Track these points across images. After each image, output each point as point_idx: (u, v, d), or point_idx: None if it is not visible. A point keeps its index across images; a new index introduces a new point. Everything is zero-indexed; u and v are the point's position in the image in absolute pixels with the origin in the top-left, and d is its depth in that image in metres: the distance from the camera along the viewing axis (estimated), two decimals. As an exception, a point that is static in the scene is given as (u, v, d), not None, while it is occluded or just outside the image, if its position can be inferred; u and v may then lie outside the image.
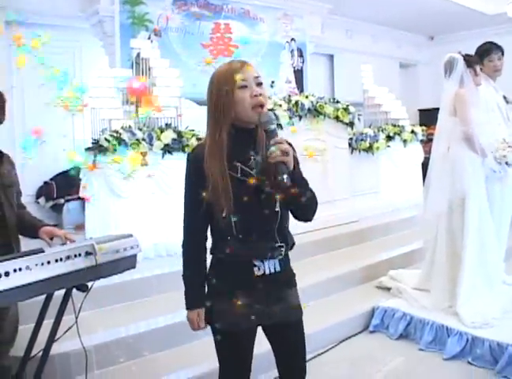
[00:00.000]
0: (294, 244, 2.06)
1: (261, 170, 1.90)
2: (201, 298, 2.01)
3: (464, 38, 7.30)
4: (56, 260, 2.06)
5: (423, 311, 4.07)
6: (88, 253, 2.18)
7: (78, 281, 2.19)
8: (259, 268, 1.94)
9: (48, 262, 2.03)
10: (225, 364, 2.05)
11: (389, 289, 4.65)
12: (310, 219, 2.03)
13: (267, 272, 1.94)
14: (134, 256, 2.44)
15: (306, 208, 1.98)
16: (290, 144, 1.87)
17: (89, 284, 2.24)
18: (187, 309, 2.03)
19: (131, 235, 2.45)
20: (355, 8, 9.28)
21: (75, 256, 2.13)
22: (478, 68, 4.25)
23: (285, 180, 1.78)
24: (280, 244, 1.96)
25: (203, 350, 2.12)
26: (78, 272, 2.13)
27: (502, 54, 4.60)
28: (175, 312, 3.58)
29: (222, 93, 1.89)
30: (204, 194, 1.88)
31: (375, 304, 4.33)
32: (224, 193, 1.85)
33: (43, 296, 2.29)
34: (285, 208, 1.96)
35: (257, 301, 1.94)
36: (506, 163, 4.31)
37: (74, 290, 2.26)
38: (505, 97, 4.66)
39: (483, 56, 4.53)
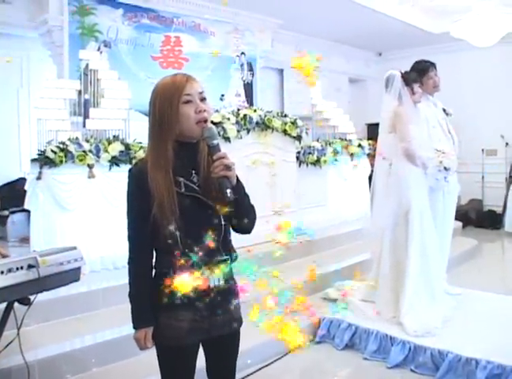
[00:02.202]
0: (237, 257, 2.06)
1: (203, 185, 1.92)
2: (149, 317, 1.94)
3: (411, 55, 7.49)
4: (-3, 274, 2.03)
5: (368, 321, 4.16)
6: (30, 266, 2.15)
7: (20, 294, 2.16)
8: (205, 280, 1.92)
9: (-12, 275, 2.00)
10: None
11: (335, 300, 4.71)
12: (248, 232, 2.06)
13: (211, 284, 1.94)
14: (78, 268, 2.42)
15: (246, 220, 2.00)
16: None
17: (32, 297, 2.21)
18: (134, 328, 1.96)
19: (75, 248, 2.43)
20: (305, 23, 9.41)
21: (17, 269, 2.11)
22: (416, 86, 4.39)
23: (229, 194, 1.81)
24: (224, 257, 1.97)
25: (151, 363, 2.11)
26: (20, 285, 2.11)
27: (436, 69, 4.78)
28: (121, 325, 3.56)
29: (166, 107, 1.88)
30: (149, 209, 1.85)
31: (322, 315, 4.38)
32: (170, 207, 1.84)
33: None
34: (227, 221, 1.98)
35: (201, 314, 1.94)
36: (445, 169, 4.45)
37: (16, 303, 2.23)
38: (444, 110, 4.82)
39: (422, 74, 4.68)
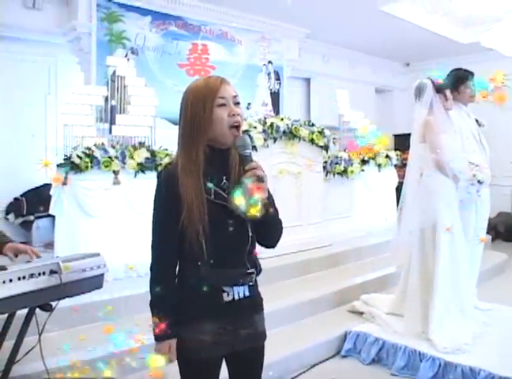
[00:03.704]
0: (261, 270, 1.99)
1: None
2: (173, 328, 1.83)
3: (438, 65, 7.38)
4: (19, 278, 2.00)
5: (396, 336, 4.04)
6: (52, 272, 2.11)
7: (42, 300, 2.13)
8: (228, 294, 1.86)
9: (10, 280, 1.97)
10: None
11: (361, 313, 4.62)
12: (273, 246, 2.00)
13: (236, 297, 1.87)
14: (101, 275, 2.38)
15: (272, 235, 1.96)
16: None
17: (53, 304, 2.16)
18: (156, 340, 1.86)
19: (98, 254, 2.39)
20: (332, 33, 9.37)
21: (39, 274, 2.07)
22: (448, 92, 4.28)
23: (259, 207, 1.74)
24: (250, 270, 1.90)
25: (172, 375, 2.03)
26: (42, 290, 2.07)
27: None
28: (144, 335, 3.49)
29: (199, 110, 1.82)
30: (177, 215, 1.79)
31: (348, 328, 4.29)
32: (199, 215, 1.77)
33: (5, 315, 2.21)
34: (254, 233, 1.92)
35: (225, 327, 1.87)
36: (479, 182, 4.34)
37: (38, 309, 2.18)
38: (477, 120, 4.70)
39: (459, 83, 4.56)
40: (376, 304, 4.61)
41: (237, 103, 1.87)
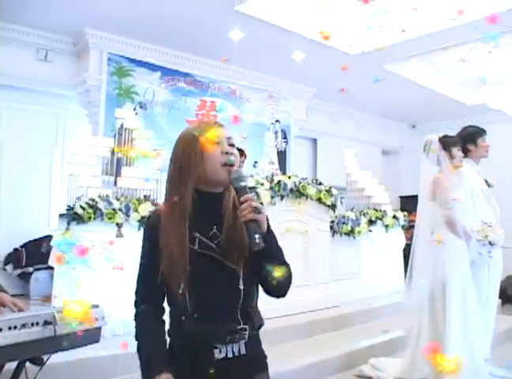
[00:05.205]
0: (261, 325, 1.81)
1: (224, 243, 1.71)
2: (165, 362, 1.69)
3: (444, 127, 7.38)
4: (9, 328, 1.86)
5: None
6: (46, 323, 1.97)
7: (33, 353, 1.98)
8: (220, 351, 1.69)
9: (0, 330, 1.82)
10: None
11: (370, 378, 4.42)
12: (283, 295, 1.78)
13: (230, 355, 1.70)
14: (99, 329, 2.23)
15: (277, 280, 1.69)
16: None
17: (45, 357, 2.01)
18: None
19: (97, 306, 2.26)
20: (339, 94, 9.43)
21: (32, 324, 1.93)
22: (455, 150, 4.22)
23: (257, 240, 1.59)
24: (242, 326, 1.72)
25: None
26: (34, 342, 1.92)
27: None
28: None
29: (190, 149, 1.72)
30: (159, 264, 1.68)
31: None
32: (180, 265, 1.65)
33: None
34: (256, 280, 1.76)
35: None
36: (490, 243, 4.21)
37: (28, 363, 2.04)
38: (486, 181, 4.63)
39: (477, 137, 4.52)
40: (385, 368, 4.43)
41: (231, 145, 1.77)
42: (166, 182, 1.80)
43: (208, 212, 1.73)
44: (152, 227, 1.75)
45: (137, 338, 1.77)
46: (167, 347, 1.76)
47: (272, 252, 1.70)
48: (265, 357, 1.84)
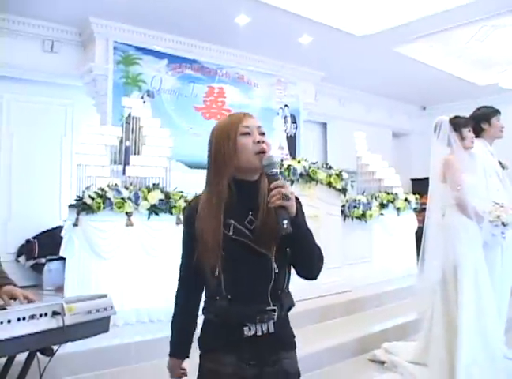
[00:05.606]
0: (291, 307, 1.90)
1: (259, 230, 1.78)
2: (185, 349, 1.96)
3: (455, 108, 7.28)
4: (18, 319, 1.85)
5: (420, 387, 3.82)
6: (55, 313, 1.96)
7: (43, 344, 1.97)
8: (250, 329, 1.79)
9: (9, 321, 1.82)
10: None
11: (383, 363, 4.41)
12: (314, 277, 1.87)
13: (259, 333, 1.80)
14: (107, 318, 2.22)
15: (310, 262, 1.83)
16: (296, 198, 1.77)
17: (55, 348, 2.01)
18: (169, 355, 1.97)
19: (105, 296, 2.24)
20: (348, 77, 9.37)
21: (40, 315, 1.92)
22: (465, 131, 4.15)
23: (285, 225, 1.64)
24: (271, 307, 1.80)
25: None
26: (42, 333, 1.91)
27: None
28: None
29: (224, 141, 1.82)
30: (195, 250, 1.81)
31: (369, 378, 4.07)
32: (214, 250, 1.75)
33: (3, 359, 2.06)
34: (287, 264, 1.84)
35: (247, 361, 1.79)
36: (503, 224, 4.16)
37: (39, 354, 2.03)
38: (500, 162, 4.56)
39: (491, 116, 4.45)
40: (398, 352, 4.41)
41: (262, 134, 1.85)
42: (206, 174, 1.90)
43: (244, 199, 1.82)
44: (190, 211, 1.89)
45: (174, 313, 1.99)
46: (202, 323, 1.90)
47: (299, 236, 1.76)
48: (294, 336, 1.94)
